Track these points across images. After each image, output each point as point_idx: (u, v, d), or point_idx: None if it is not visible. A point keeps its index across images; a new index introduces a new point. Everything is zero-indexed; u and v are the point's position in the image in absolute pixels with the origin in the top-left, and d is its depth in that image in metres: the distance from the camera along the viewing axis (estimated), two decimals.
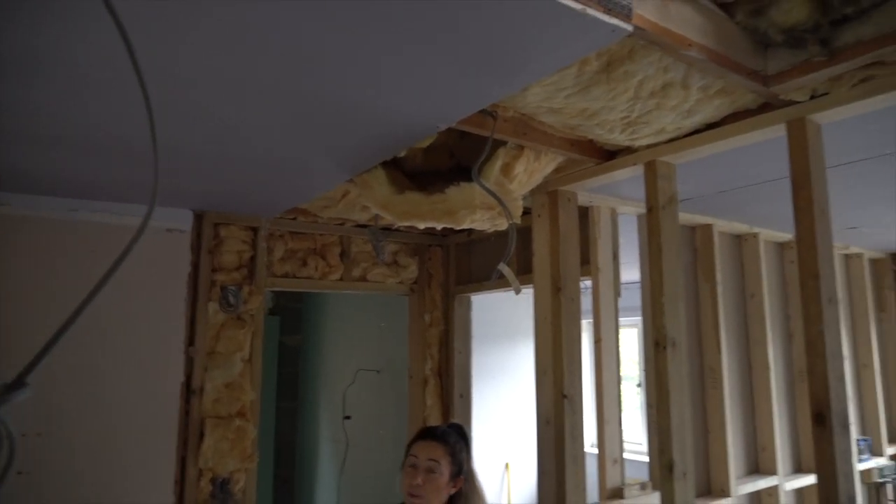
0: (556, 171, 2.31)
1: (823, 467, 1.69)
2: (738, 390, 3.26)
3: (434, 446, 1.80)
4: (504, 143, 2.02)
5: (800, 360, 3.50)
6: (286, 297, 5.74)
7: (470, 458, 1.89)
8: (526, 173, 2.05)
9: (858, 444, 3.70)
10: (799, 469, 3.46)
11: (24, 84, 1.39)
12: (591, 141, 2.10)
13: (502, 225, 2.14)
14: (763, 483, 3.20)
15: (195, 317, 2.65)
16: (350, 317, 5.20)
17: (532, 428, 2.53)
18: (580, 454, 2.35)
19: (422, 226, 2.21)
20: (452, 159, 2.33)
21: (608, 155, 2.21)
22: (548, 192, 2.42)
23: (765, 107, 1.79)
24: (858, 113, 1.71)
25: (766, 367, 3.31)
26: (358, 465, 4.69)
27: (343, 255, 3.37)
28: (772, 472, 3.25)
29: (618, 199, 2.66)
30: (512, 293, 2.20)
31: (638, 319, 3.93)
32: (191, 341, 2.63)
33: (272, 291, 3.60)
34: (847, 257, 4.02)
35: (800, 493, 3.45)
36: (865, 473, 3.80)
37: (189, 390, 2.59)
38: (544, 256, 2.40)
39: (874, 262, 4.17)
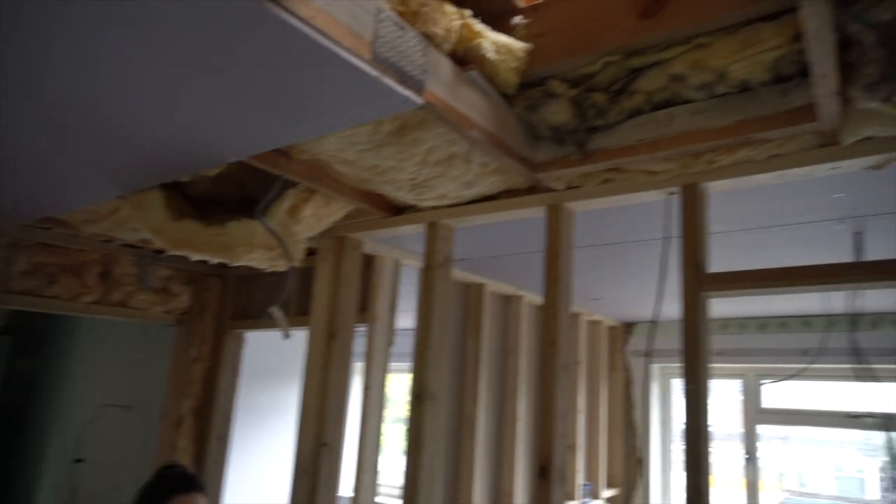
0: (346, 217, 2.35)
1: None
2: (491, 440, 3.53)
3: (198, 498, 1.63)
4: (296, 184, 2.01)
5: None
6: (28, 314, 4.90)
7: None
8: (314, 217, 2.05)
9: (582, 489, 4.22)
10: None
11: None
12: (381, 195, 2.19)
13: (281, 266, 2.10)
14: None
15: None
16: (103, 344, 4.59)
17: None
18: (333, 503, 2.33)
19: (195, 257, 2.07)
20: (242, 190, 2.24)
21: (396, 210, 2.31)
22: (335, 238, 2.44)
23: (532, 189, 2.04)
24: (603, 207, 2.03)
25: (514, 419, 3.65)
26: None
27: (104, 275, 3.00)
28: None
29: (402, 252, 2.78)
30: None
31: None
32: None
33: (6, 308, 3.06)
34: (591, 323, 4.66)
35: None
36: None
37: None
38: (323, 301, 2.40)
39: (611, 329, 4.88)
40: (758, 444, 4.47)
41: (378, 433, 2.75)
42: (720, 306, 4.03)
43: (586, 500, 4.26)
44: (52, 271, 2.81)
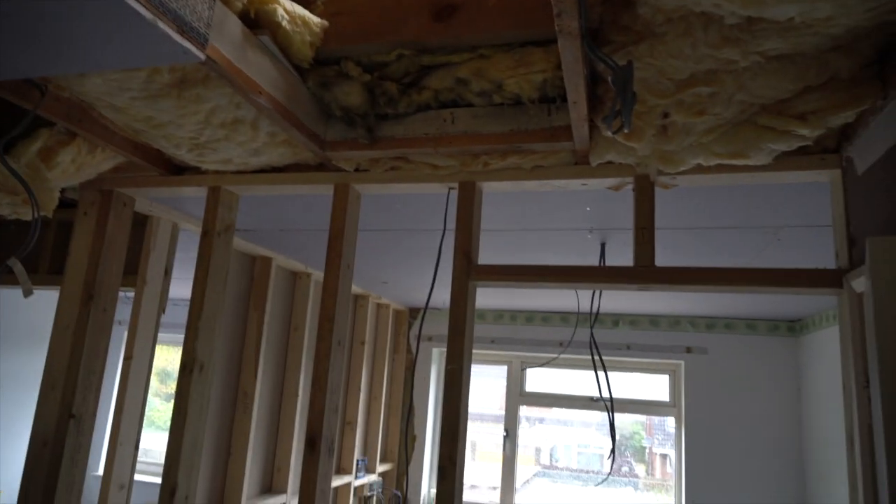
0: (116, 170, 2.13)
1: (307, 485, 1.93)
2: (267, 414, 3.48)
3: None
4: (52, 125, 1.77)
5: None
6: None
7: None
8: (73, 164, 1.84)
9: (358, 463, 4.36)
10: None
11: None
12: (158, 151, 2.03)
13: (26, 215, 1.84)
14: (273, 501, 3.45)
15: None
16: None
17: None
18: (78, 480, 2.12)
19: None
20: None
21: (176, 169, 2.16)
22: (101, 191, 2.21)
23: (321, 166, 2.05)
24: (389, 193, 2.10)
25: (295, 395, 3.64)
26: None
27: None
28: (283, 490, 3.54)
29: (182, 215, 2.61)
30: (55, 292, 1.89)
31: None
32: None
33: None
34: (378, 306, 4.80)
35: None
36: (359, 488, 4.48)
37: None
38: (81, 259, 2.16)
39: (396, 313, 5.08)
40: (518, 424, 5.00)
41: (141, 406, 2.56)
42: (495, 299, 4.42)
43: (360, 474, 4.40)
44: None
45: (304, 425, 3.76)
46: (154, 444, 5.31)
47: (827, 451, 3.77)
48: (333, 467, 2.04)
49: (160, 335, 2.63)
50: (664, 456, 7.68)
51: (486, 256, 2.02)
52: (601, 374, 3.00)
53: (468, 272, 1.90)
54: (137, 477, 2.67)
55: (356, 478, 4.32)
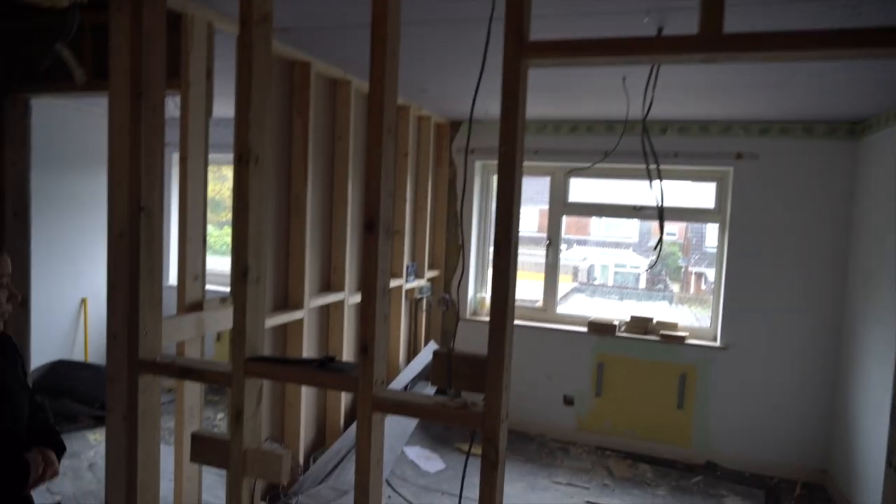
0: None
1: (369, 263, 2.04)
2: (319, 219, 3.63)
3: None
4: None
5: None
6: None
7: None
8: None
9: (407, 268, 4.61)
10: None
11: None
12: None
13: (62, 2, 1.79)
14: (332, 298, 3.74)
15: None
16: None
17: None
18: (157, 267, 2.30)
19: None
20: None
21: None
22: None
23: None
24: None
25: (345, 203, 3.75)
26: None
27: None
28: (340, 289, 3.81)
29: (216, 14, 2.50)
30: (91, 109, 1.91)
31: None
32: None
33: None
34: (419, 118, 4.73)
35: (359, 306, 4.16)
36: (410, 291, 4.79)
37: None
38: (123, 55, 2.13)
39: (438, 126, 5.01)
40: (561, 235, 5.12)
41: (203, 204, 2.69)
42: (539, 108, 4.28)
43: (410, 278, 4.67)
44: None
45: (356, 232, 3.92)
46: (216, 266, 5.62)
47: (873, 253, 3.78)
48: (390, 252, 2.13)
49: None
50: (700, 274, 7.88)
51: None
52: (653, 172, 2.98)
53: (520, 50, 1.80)
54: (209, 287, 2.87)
55: (407, 281, 4.60)
